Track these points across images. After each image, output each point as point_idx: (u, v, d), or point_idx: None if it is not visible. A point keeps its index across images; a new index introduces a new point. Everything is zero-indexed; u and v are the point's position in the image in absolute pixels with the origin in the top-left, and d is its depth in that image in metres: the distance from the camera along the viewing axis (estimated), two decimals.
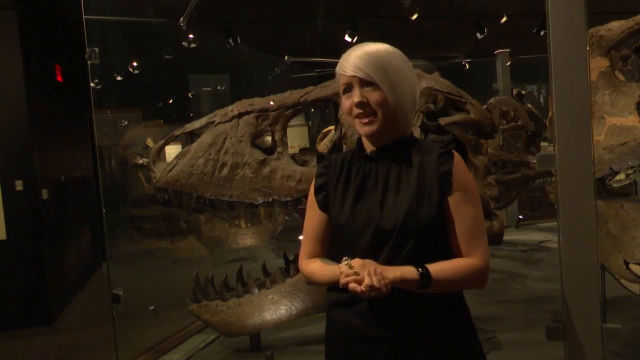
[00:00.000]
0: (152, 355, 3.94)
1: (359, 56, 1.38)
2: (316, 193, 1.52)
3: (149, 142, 6.39)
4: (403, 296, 1.34)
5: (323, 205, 1.50)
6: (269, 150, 2.97)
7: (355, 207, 1.42)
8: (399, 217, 1.35)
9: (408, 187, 1.39)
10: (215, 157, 2.84)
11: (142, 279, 5.46)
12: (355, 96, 1.39)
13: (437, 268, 1.33)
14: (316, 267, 1.48)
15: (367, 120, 1.39)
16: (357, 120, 1.41)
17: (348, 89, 1.41)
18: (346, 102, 1.42)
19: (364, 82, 1.38)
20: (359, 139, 1.50)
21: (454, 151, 1.42)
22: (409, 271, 1.31)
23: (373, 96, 1.38)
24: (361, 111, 1.39)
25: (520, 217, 7.86)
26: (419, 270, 1.31)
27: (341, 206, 1.44)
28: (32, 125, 4.88)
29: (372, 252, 1.37)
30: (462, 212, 1.38)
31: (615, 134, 2.73)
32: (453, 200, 1.38)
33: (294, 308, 2.98)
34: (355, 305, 1.40)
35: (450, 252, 1.40)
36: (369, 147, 1.47)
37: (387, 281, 1.25)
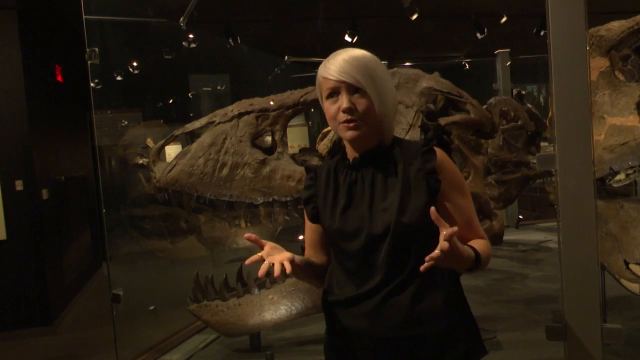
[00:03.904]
0: (152, 355, 3.93)
1: (346, 60, 1.36)
2: (305, 205, 1.54)
3: (149, 142, 6.38)
4: (404, 295, 1.35)
5: (313, 217, 1.52)
6: (269, 150, 2.97)
7: (344, 215, 1.42)
8: (389, 221, 1.35)
9: (395, 190, 1.39)
10: (215, 157, 2.84)
11: (142, 279, 5.45)
12: (344, 102, 1.36)
13: (478, 248, 1.36)
14: None
15: (352, 125, 1.37)
16: (341, 125, 1.39)
17: (333, 93, 1.38)
18: (331, 108, 1.39)
19: (352, 88, 1.36)
20: (343, 147, 1.50)
21: (435, 148, 1.42)
22: (469, 252, 1.32)
23: (360, 102, 1.36)
24: (348, 117, 1.36)
25: (520, 217, 7.86)
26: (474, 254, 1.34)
27: (331, 216, 1.45)
28: (32, 125, 4.88)
29: (367, 258, 1.38)
30: (457, 204, 1.40)
31: (615, 134, 2.73)
32: (444, 196, 1.39)
33: (294, 308, 2.98)
34: (355, 305, 1.40)
35: None
36: (351, 154, 1.46)
37: None
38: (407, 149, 1.44)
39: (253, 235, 1.32)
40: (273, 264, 1.24)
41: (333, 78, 1.36)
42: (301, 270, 1.45)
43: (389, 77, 1.43)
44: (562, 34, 1.87)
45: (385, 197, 1.39)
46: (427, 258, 1.17)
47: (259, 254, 1.29)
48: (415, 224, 1.35)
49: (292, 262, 1.27)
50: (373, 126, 1.39)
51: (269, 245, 1.32)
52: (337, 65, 1.36)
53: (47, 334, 4.77)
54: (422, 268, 1.18)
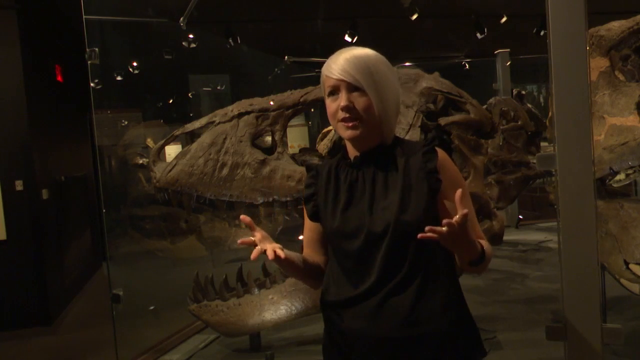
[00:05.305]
0: (152, 355, 3.94)
1: (347, 59, 1.37)
2: (305, 203, 1.54)
3: (149, 142, 6.39)
4: (404, 296, 1.34)
5: (313, 215, 1.52)
6: (269, 150, 2.97)
7: (345, 213, 1.43)
8: (389, 220, 1.35)
9: (395, 189, 1.38)
10: (215, 157, 2.84)
11: (142, 279, 5.46)
12: (342, 100, 1.37)
13: (484, 245, 1.35)
14: None
15: (351, 124, 1.38)
16: (340, 124, 1.40)
17: (334, 91, 1.40)
18: (332, 105, 1.41)
19: (352, 87, 1.37)
20: (344, 146, 1.51)
21: (437, 148, 1.42)
22: (475, 242, 1.30)
23: (360, 101, 1.37)
24: (347, 115, 1.37)
25: (520, 217, 7.86)
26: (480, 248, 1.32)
27: (332, 214, 1.45)
28: (32, 125, 4.88)
29: (365, 257, 1.38)
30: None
31: (615, 134, 2.73)
32: (444, 196, 1.39)
33: (294, 308, 2.98)
34: (353, 306, 1.40)
35: (447, 249, 1.39)
36: (352, 153, 1.47)
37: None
38: (408, 149, 1.44)
39: (248, 218, 1.35)
40: (265, 251, 1.28)
41: (333, 77, 1.38)
42: (293, 265, 1.44)
43: (392, 77, 1.42)
44: (562, 34, 1.87)
45: (385, 196, 1.39)
46: (427, 228, 1.18)
47: (252, 237, 1.32)
48: (415, 223, 1.34)
49: (282, 251, 1.30)
50: (372, 126, 1.39)
51: (260, 233, 1.34)
52: (338, 64, 1.38)
53: (47, 334, 4.76)
54: (420, 235, 1.19)
